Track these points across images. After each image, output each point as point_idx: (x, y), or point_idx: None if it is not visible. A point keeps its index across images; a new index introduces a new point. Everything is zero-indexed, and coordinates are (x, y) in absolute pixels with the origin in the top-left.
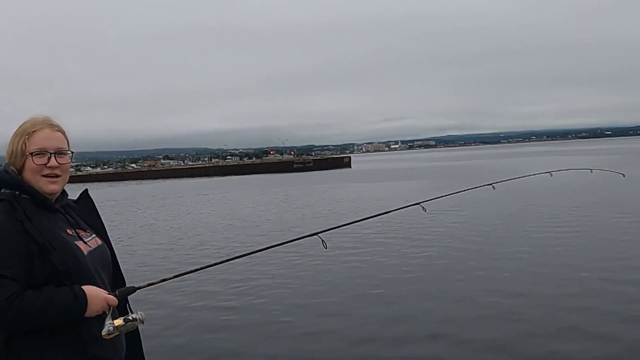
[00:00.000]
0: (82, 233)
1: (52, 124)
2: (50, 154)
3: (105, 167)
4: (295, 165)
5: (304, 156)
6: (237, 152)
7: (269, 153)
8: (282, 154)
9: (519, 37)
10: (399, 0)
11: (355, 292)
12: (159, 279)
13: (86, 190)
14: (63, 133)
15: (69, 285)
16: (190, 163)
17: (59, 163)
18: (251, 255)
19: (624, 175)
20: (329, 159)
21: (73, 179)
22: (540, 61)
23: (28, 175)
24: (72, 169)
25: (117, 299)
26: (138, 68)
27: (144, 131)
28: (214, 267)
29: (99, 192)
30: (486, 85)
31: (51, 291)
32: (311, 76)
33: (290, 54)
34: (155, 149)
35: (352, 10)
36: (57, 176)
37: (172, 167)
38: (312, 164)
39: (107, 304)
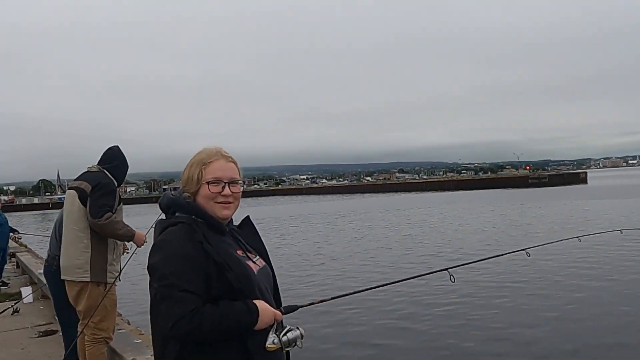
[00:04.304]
0: (249, 254)
1: (226, 156)
2: (225, 183)
3: (340, 179)
4: (530, 181)
5: (539, 171)
6: (472, 166)
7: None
8: (517, 169)
9: None
10: (631, 13)
11: None
12: (319, 299)
13: (248, 216)
14: (235, 164)
15: (243, 300)
16: (425, 177)
17: (232, 192)
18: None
19: None
20: (564, 174)
21: (309, 191)
22: None
23: (202, 200)
24: (307, 181)
25: (283, 314)
26: (362, 82)
27: (377, 145)
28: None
29: (333, 204)
30: None
31: (228, 304)
32: (545, 90)
33: (523, 66)
34: (390, 162)
35: (587, 25)
36: (229, 203)
37: (406, 180)
38: (547, 180)
39: (275, 318)
